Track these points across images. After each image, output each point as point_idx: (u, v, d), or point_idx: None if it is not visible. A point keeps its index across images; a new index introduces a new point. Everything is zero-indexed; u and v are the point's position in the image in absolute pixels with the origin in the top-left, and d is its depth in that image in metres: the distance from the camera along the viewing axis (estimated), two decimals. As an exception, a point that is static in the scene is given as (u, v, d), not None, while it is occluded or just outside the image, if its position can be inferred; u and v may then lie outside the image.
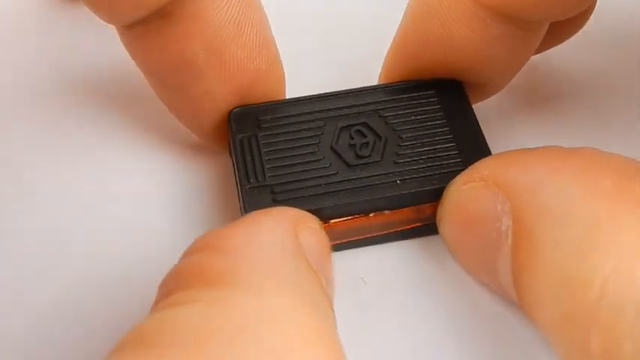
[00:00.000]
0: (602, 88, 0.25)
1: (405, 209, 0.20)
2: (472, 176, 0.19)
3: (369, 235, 0.21)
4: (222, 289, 0.15)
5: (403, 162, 0.20)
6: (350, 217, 0.20)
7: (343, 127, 0.21)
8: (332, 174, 0.20)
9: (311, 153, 0.21)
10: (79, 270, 0.21)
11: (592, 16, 0.22)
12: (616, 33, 0.25)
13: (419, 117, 0.21)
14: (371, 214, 0.20)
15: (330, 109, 0.22)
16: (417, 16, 0.21)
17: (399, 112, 0.21)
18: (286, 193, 0.20)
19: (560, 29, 0.22)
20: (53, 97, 0.25)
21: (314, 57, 0.25)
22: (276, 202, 0.20)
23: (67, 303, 0.21)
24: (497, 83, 0.23)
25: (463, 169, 0.20)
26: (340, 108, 0.22)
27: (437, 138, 0.21)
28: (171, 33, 0.20)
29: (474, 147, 0.21)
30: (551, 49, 0.24)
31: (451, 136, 0.21)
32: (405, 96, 0.22)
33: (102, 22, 0.20)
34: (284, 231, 0.17)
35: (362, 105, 0.22)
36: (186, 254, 0.17)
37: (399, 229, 0.21)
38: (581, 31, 0.23)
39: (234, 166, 0.21)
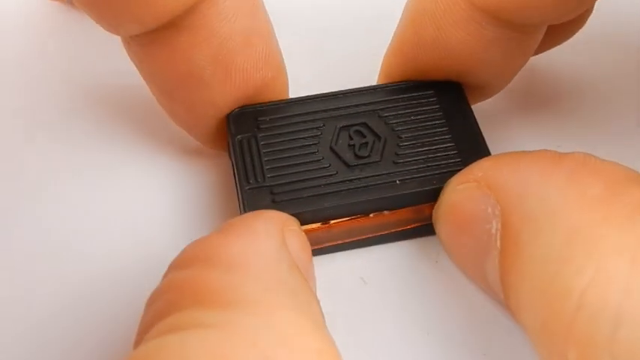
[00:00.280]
0: (602, 91, 0.25)
1: (405, 209, 0.20)
2: (467, 177, 0.19)
3: (368, 236, 0.21)
4: (226, 310, 0.15)
5: (402, 162, 0.20)
6: (350, 218, 0.20)
7: (342, 127, 0.21)
8: (331, 174, 0.20)
9: (310, 153, 0.21)
10: (78, 270, 0.21)
11: (592, 18, 0.22)
12: (616, 35, 0.25)
13: (418, 117, 0.21)
14: (370, 215, 0.20)
15: (329, 110, 0.22)
16: (413, 19, 0.21)
17: (399, 113, 0.21)
18: (286, 194, 0.20)
19: (559, 30, 0.22)
20: (53, 99, 0.26)
21: (313, 57, 0.25)
22: (275, 203, 0.20)
23: (67, 303, 0.21)
24: (495, 85, 0.23)
25: (462, 169, 0.20)
26: (339, 108, 0.22)
27: (436, 138, 0.21)
28: (178, 43, 0.20)
29: (473, 147, 0.21)
30: (552, 50, 0.24)
31: (450, 136, 0.21)
32: (404, 96, 0.22)
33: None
34: (276, 238, 0.17)
35: (361, 105, 0.22)
36: (174, 267, 0.17)
37: (399, 229, 0.21)
38: (581, 33, 0.23)
39: (233, 167, 0.21)
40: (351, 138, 0.21)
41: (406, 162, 0.20)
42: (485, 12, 0.20)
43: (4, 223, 0.22)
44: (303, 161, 0.20)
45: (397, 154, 0.21)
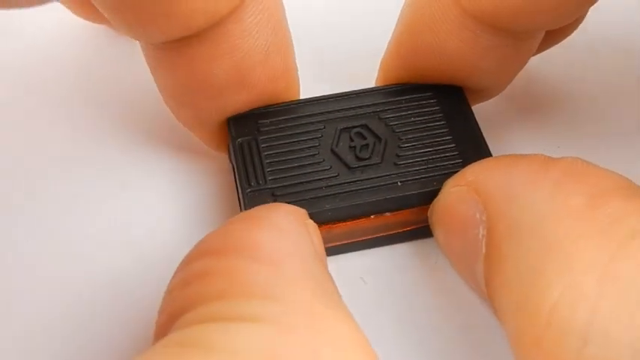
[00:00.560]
0: (602, 92, 0.25)
1: (406, 211, 0.21)
2: (460, 180, 0.19)
3: (369, 237, 0.21)
4: (272, 303, 0.15)
5: (403, 164, 0.20)
6: (351, 219, 0.20)
7: (343, 129, 0.21)
8: (332, 176, 0.20)
9: (311, 155, 0.21)
10: (78, 270, 0.21)
11: (592, 20, 0.22)
12: (616, 37, 0.25)
13: (419, 119, 0.21)
14: (372, 216, 0.20)
15: (329, 112, 0.22)
16: (409, 25, 0.21)
17: (399, 114, 0.21)
18: (287, 196, 0.20)
19: (555, 32, 0.22)
20: (55, 100, 0.26)
21: (313, 59, 0.25)
22: None
23: (68, 304, 0.21)
24: (492, 89, 0.23)
25: (458, 171, 0.20)
26: (340, 110, 0.22)
27: (437, 139, 0.21)
28: (198, 54, 0.20)
29: (473, 148, 0.21)
30: (552, 52, 0.24)
31: (451, 137, 0.21)
32: (404, 98, 0.22)
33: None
34: (301, 231, 0.17)
35: (362, 107, 0.22)
36: (201, 255, 0.16)
37: (400, 230, 0.21)
38: (581, 34, 0.23)
39: (234, 169, 0.21)
40: (351, 140, 0.21)
41: (407, 164, 0.20)
42: (479, 20, 0.20)
43: (6, 225, 0.23)
44: (304, 163, 0.21)
45: (398, 156, 0.21)
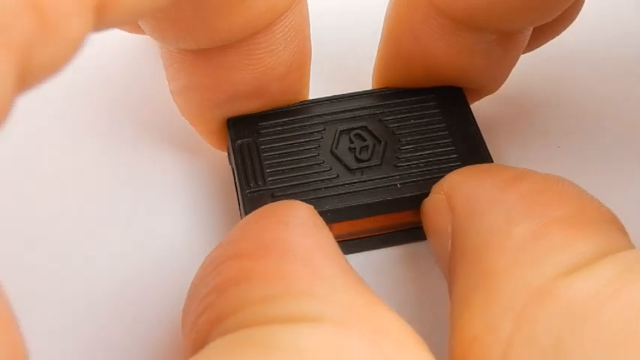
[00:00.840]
0: (602, 91, 0.25)
1: (405, 212, 0.20)
2: (440, 187, 0.19)
3: (369, 238, 0.21)
4: (331, 304, 0.14)
5: (403, 165, 0.20)
6: (350, 221, 0.20)
7: (343, 130, 0.21)
8: (332, 177, 0.20)
9: (311, 157, 0.21)
10: (78, 270, 0.22)
11: (592, 19, 0.22)
12: (616, 37, 0.25)
13: (418, 120, 0.21)
14: (371, 218, 0.20)
15: (329, 113, 0.22)
16: (392, 32, 0.21)
17: (399, 116, 0.21)
18: (286, 197, 0.20)
19: (546, 27, 0.22)
20: (54, 100, 0.26)
21: (313, 61, 0.25)
22: None
23: (66, 301, 0.21)
24: (488, 86, 0.23)
25: (444, 176, 0.20)
26: (339, 112, 0.22)
27: (436, 141, 0.21)
28: (223, 63, 0.20)
29: (473, 150, 0.21)
30: (552, 51, 0.24)
31: (451, 139, 0.21)
32: (404, 100, 0.22)
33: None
34: (322, 227, 0.17)
35: (361, 109, 0.22)
36: (237, 257, 0.16)
37: (399, 231, 0.21)
38: (582, 34, 0.23)
39: (233, 171, 0.21)
40: (351, 142, 0.21)
41: (407, 165, 0.20)
42: (457, 20, 0.20)
43: (11, 225, 0.23)
44: (303, 165, 0.20)
45: (398, 158, 0.21)
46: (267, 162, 0.21)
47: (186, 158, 0.24)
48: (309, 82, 0.22)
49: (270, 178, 0.20)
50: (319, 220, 0.17)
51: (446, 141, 0.21)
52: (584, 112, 0.25)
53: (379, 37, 0.22)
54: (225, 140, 0.22)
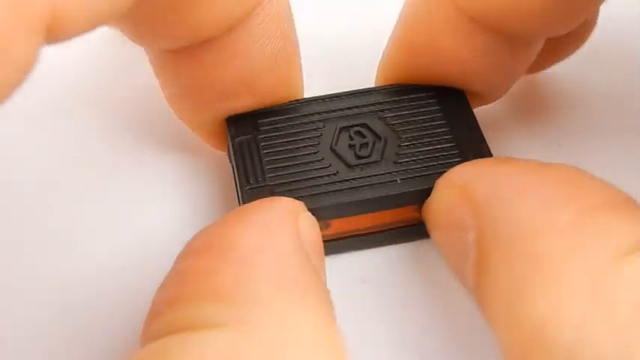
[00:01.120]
0: (603, 91, 0.25)
1: (405, 208, 0.20)
2: (450, 181, 0.19)
3: (369, 235, 0.21)
4: (241, 308, 0.15)
5: (403, 162, 0.20)
6: (350, 217, 0.20)
7: (343, 127, 0.21)
8: (332, 174, 0.20)
9: (311, 154, 0.21)
10: (77, 268, 0.21)
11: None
12: (617, 37, 0.25)
13: (419, 118, 0.21)
14: (371, 214, 0.20)
15: (329, 111, 0.22)
16: (408, 25, 0.21)
17: (399, 113, 0.21)
18: (286, 194, 0.20)
19: (557, 46, 0.22)
20: (53, 101, 0.26)
21: (313, 59, 0.25)
22: None
23: (69, 301, 0.21)
24: (489, 94, 0.23)
25: (450, 170, 0.20)
26: (339, 109, 0.22)
27: (437, 138, 0.21)
28: (207, 60, 0.20)
29: (473, 147, 0.21)
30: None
31: (451, 136, 0.21)
32: (404, 97, 0.22)
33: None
34: (291, 231, 0.17)
35: (361, 106, 0.22)
36: (188, 254, 0.17)
37: (400, 228, 0.21)
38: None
39: (233, 168, 0.21)
40: (351, 138, 0.21)
41: (407, 161, 0.20)
42: (473, 19, 0.20)
43: (9, 224, 0.23)
44: (303, 161, 0.20)
45: (398, 154, 0.21)
46: (267, 159, 0.21)
47: (186, 155, 0.24)
48: (301, 76, 0.22)
49: (269, 175, 0.20)
50: (297, 219, 0.17)
51: (446, 137, 0.21)
52: (585, 110, 0.25)
53: (380, 37, 0.22)
54: (224, 141, 0.22)
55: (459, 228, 0.18)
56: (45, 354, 0.20)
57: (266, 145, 0.21)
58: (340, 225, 0.20)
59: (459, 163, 0.20)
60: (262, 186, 0.20)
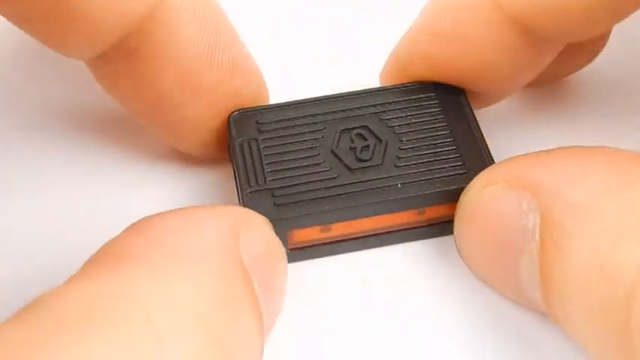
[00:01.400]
0: (604, 91, 0.25)
1: (406, 212, 0.20)
2: (492, 179, 0.19)
3: (369, 238, 0.21)
4: (127, 267, 0.14)
5: (404, 165, 0.20)
6: (351, 220, 0.20)
7: (343, 130, 0.21)
8: (333, 177, 0.20)
9: (312, 156, 0.21)
10: (74, 269, 0.22)
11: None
12: (617, 37, 0.25)
13: (419, 120, 0.21)
14: (372, 218, 0.20)
15: (330, 112, 0.22)
16: (436, 10, 0.21)
17: (400, 115, 0.21)
18: (287, 197, 0.20)
19: (571, 57, 0.22)
20: (52, 100, 0.26)
21: (313, 60, 0.25)
22: (276, 206, 0.20)
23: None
24: (496, 94, 0.23)
25: (465, 172, 0.20)
26: (340, 111, 0.22)
27: (438, 141, 0.21)
28: (142, 70, 0.19)
29: (475, 150, 0.21)
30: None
31: (452, 138, 0.21)
32: (405, 99, 0.22)
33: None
34: (224, 230, 0.17)
35: (362, 108, 0.22)
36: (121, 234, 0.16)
37: (400, 231, 0.21)
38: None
39: (234, 170, 0.21)
40: (352, 141, 0.21)
41: (408, 165, 0.20)
42: (509, 15, 0.20)
43: (6, 226, 0.23)
44: (304, 164, 0.20)
45: (399, 158, 0.21)
46: (268, 161, 0.21)
47: (185, 156, 0.23)
48: (252, 60, 0.21)
49: (270, 178, 0.20)
50: (248, 231, 0.17)
51: (447, 140, 0.21)
52: (587, 111, 0.25)
53: (381, 37, 0.22)
54: (211, 151, 0.22)
55: (512, 218, 0.18)
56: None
57: (267, 147, 0.21)
58: (341, 228, 0.20)
59: (459, 166, 0.20)
60: (263, 189, 0.20)
